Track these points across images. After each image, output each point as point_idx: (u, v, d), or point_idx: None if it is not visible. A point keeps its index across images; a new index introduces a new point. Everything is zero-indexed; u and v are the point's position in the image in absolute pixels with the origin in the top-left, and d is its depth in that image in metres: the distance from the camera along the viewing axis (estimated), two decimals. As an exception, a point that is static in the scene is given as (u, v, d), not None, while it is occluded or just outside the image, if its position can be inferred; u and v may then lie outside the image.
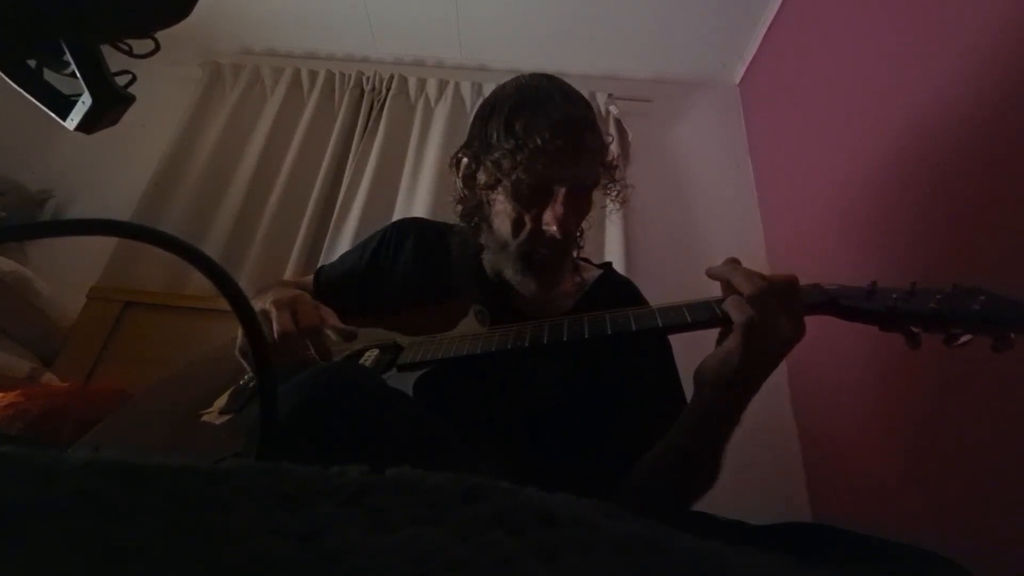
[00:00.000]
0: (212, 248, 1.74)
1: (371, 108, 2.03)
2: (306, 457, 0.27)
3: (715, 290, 0.60)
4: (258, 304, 0.69)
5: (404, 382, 0.67)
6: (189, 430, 0.72)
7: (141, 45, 0.41)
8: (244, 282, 1.67)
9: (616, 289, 0.91)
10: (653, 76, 2.14)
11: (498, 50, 2.12)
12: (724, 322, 0.57)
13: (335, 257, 1.04)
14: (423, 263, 0.89)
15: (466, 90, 2.04)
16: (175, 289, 1.71)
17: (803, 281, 0.57)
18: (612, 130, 1.87)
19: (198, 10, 0.39)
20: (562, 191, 0.74)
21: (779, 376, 1.23)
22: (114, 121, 0.39)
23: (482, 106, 0.83)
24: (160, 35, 0.40)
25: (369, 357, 0.74)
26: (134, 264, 1.72)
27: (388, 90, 2.03)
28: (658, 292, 0.81)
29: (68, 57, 0.36)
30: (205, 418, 0.72)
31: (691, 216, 1.89)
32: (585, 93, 0.83)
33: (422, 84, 2.06)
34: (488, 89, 1.64)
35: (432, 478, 0.26)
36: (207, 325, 1.50)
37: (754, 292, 0.54)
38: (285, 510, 0.22)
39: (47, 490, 0.20)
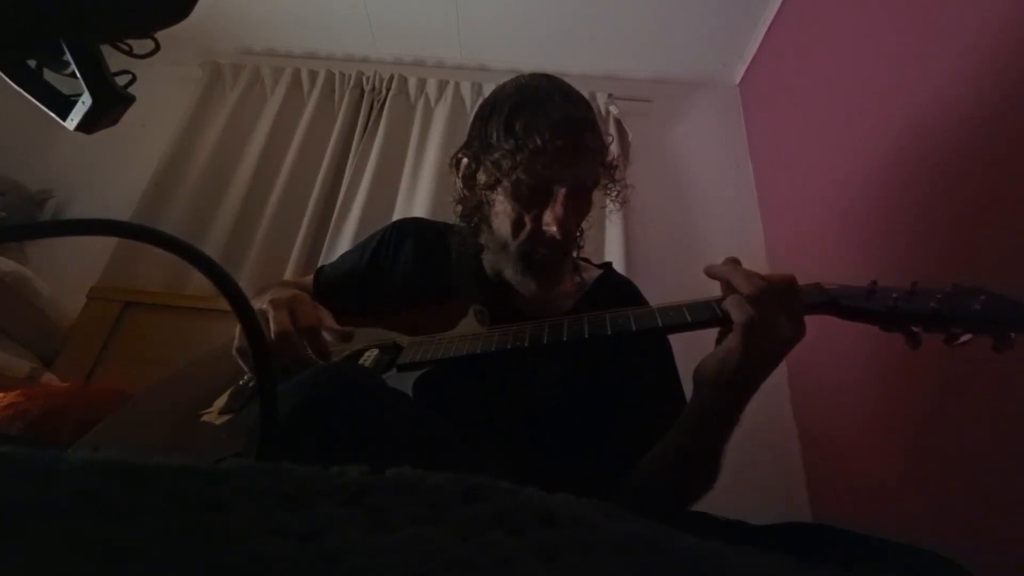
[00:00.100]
0: (212, 248, 1.74)
1: (371, 108, 2.02)
2: (306, 457, 0.27)
3: (715, 290, 0.60)
4: (256, 304, 0.69)
5: (404, 382, 0.67)
6: (189, 430, 0.72)
7: (141, 45, 0.41)
8: (244, 282, 1.67)
9: (616, 289, 0.91)
10: (653, 76, 2.14)
11: (498, 50, 2.11)
12: (724, 322, 0.57)
13: (335, 257, 1.04)
14: (423, 263, 0.89)
15: (466, 90, 2.04)
16: (175, 289, 1.71)
17: (803, 281, 0.57)
18: (612, 130, 1.86)
19: (198, 10, 0.39)
20: (562, 191, 0.74)
21: (779, 376, 1.23)
22: (114, 121, 0.39)
23: (482, 106, 0.83)
24: (160, 35, 0.40)
25: (369, 357, 0.74)
26: (134, 264, 1.72)
27: (388, 90, 2.03)
28: (658, 292, 0.81)
29: (68, 57, 0.36)
30: (205, 418, 0.72)
31: (691, 216, 1.89)
32: (585, 93, 0.83)
33: (422, 84, 2.06)
34: (488, 89, 1.64)
35: (432, 478, 0.26)
36: (207, 325, 1.49)
37: (754, 292, 0.53)
38: (285, 510, 0.22)
39: (47, 490, 0.20)
